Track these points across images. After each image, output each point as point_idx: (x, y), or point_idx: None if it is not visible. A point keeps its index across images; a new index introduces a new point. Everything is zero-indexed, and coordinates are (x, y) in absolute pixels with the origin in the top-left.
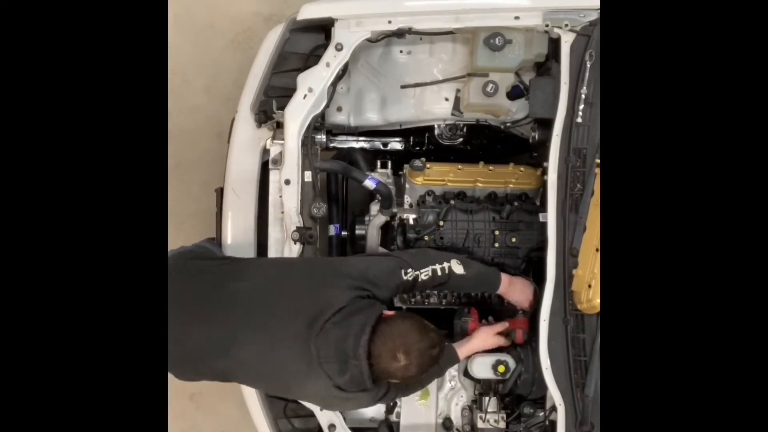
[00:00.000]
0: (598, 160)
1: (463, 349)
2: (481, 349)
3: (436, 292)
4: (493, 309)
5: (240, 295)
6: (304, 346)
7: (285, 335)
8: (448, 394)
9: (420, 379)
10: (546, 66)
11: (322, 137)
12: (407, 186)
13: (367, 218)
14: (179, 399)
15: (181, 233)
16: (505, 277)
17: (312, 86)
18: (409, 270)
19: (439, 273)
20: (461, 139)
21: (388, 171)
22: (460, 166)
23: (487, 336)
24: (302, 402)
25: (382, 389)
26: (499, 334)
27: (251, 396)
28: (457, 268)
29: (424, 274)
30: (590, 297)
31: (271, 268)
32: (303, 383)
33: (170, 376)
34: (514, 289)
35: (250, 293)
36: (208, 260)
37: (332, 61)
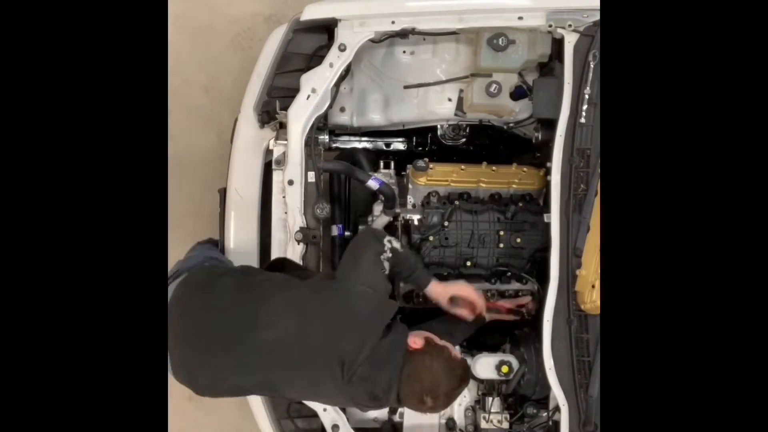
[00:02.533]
0: None
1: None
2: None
3: None
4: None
5: (269, 345)
6: (340, 389)
7: (324, 378)
8: None
9: None
10: (549, 66)
11: (325, 138)
12: (410, 186)
13: (370, 219)
14: (179, 399)
15: (181, 233)
16: (436, 283)
17: (315, 87)
18: (386, 248)
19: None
20: (464, 140)
21: (391, 171)
22: (463, 167)
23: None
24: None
25: None
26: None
27: (254, 396)
28: (396, 243)
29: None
30: (594, 297)
31: (287, 307)
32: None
33: (170, 376)
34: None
35: (278, 343)
36: (228, 277)
37: (335, 61)
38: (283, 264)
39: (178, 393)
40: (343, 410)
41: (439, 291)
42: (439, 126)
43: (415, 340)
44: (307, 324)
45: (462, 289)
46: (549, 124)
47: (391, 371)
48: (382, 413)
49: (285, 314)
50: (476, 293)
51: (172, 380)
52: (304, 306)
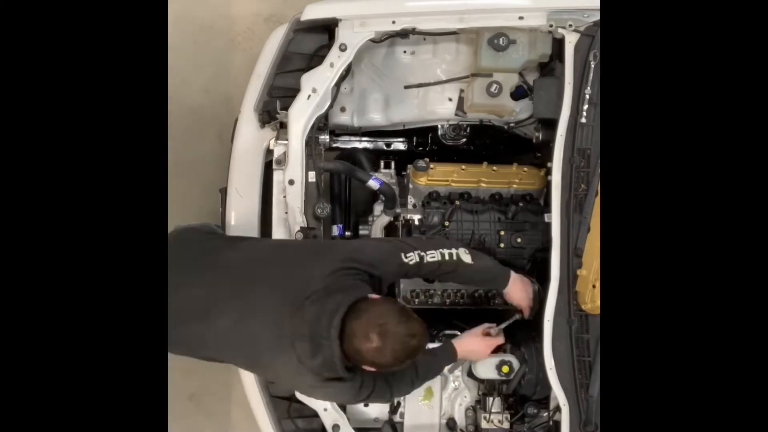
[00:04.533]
0: None
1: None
2: (473, 350)
3: (439, 292)
4: (498, 311)
5: (229, 263)
6: (278, 321)
7: (261, 307)
8: (452, 395)
9: (401, 373)
10: (550, 66)
11: (325, 137)
12: (411, 186)
13: (370, 219)
14: (179, 399)
15: None
16: (514, 277)
17: (316, 86)
18: (411, 253)
19: (447, 258)
20: (464, 140)
21: (392, 171)
22: (463, 167)
23: (474, 339)
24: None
25: (357, 381)
26: (487, 334)
27: (255, 396)
28: (465, 257)
29: (430, 256)
30: (594, 297)
31: (266, 243)
32: (272, 360)
33: (170, 377)
34: (517, 290)
35: (238, 262)
36: (212, 234)
37: (336, 61)
38: None
39: (178, 393)
40: (344, 409)
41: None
42: (439, 126)
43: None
44: (281, 251)
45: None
46: (549, 124)
47: (341, 298)
48: (383, 413)
49: (269, 243)
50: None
51: (171, 380)
52: (290, 242)
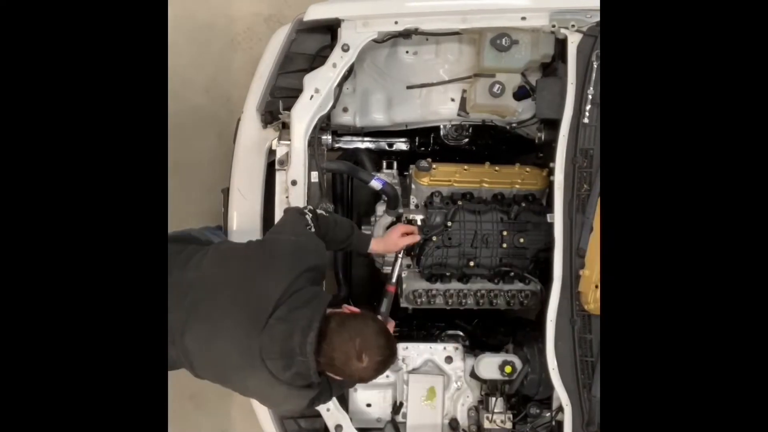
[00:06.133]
0: None
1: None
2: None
3: (442, 293)
4: (500, 312)
5: (188, 284)
6: (246, 340)
7: (225, 327)
8: (455, 395)
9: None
10: (552, 66)
11: (327, 138)
12: (413, 186)
13: (372, 219)
14: (179, 399)
15: None
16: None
17: (318, 87)
18: (306, 209)
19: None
20: (467, 140)
21: (394, 171)
22: (466, 167)
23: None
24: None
25: (324, 384)
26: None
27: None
28: (319, 210)
29: (319, 208)
30: (597, 298)
31: (215, 256)
32: (244, 377)
33: (170, 377)
34: (379, 244)
35: (196, 282)
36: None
37: (339, 61)
38: None
39: (178, 393)
40: (346, 409)
41: (381, 243)
42: (441, 126)
43: (350, 308)
44: (226, 266)
45: (396, 229)
46: (552, 125)
47: (310, 314)
48: (385, 413)
49: (212, 259)
50: (403, 226)
51: (172, 380)
52: (231, 254)
